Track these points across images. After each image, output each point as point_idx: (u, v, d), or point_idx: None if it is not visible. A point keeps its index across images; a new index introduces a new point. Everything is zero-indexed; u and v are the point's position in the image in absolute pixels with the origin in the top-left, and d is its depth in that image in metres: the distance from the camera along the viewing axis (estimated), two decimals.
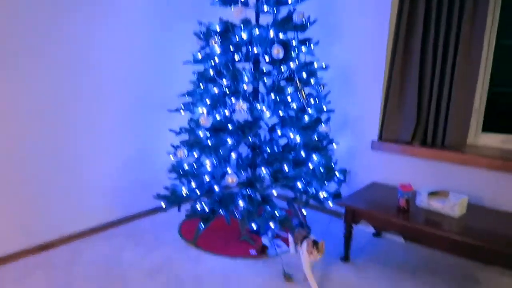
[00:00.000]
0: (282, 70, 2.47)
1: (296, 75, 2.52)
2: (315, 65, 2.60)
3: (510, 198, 2.37)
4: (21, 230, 2.39)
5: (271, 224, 2.42)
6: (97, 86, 2.60)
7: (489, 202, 2.45)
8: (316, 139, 2.62)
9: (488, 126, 2.64)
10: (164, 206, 2.64)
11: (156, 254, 2.50)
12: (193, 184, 2.57)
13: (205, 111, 2.50)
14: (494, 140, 2.63)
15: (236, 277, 2.27)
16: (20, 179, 2.34)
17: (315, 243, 2.04)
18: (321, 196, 2.63)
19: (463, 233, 2.03)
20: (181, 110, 2.65)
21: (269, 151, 2.58)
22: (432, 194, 2.36)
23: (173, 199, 2.63)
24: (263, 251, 2.50)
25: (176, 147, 2.66)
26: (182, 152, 2.59)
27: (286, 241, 2.64)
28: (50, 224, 2.52)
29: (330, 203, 2.66)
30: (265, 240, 2.54)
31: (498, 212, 2.33)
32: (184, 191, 2.59)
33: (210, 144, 2.53)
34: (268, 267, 2.37)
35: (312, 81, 2.60)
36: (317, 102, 2.63)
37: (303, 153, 2.58)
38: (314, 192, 2.58)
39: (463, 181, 2.53)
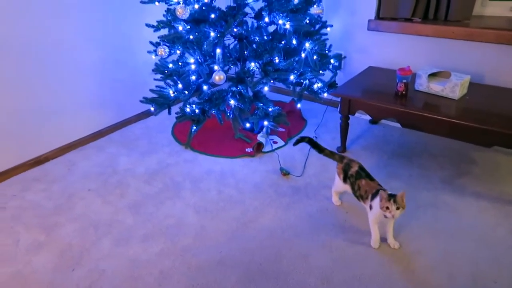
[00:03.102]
0: None
1: None
2: None
3: None
4: (13, 147, 2.32)
5: (265, 122, 2.35)
6: None
7: (491, 80, 2.33)
8: (308, 23, 2.37)
9: None
10: (153, 109, 2.53)
11: (151, 159, 2.48)
12: (180, 85, 2.42)
13: None
14: (502, 9, 2.39)
15: (233, 175, 2.28)
16: (11, 98, 2.21)
17: (391, 196, 1.60)
18: (315, 87, 2.50)
19: (461, 116, 1.95)
20: (155, 1, 2.33)
21: (257, 39, 2.35)
22: (433, 75, 2.22)
23: (161, 101, 2.50)
24: (259, 148, 2.48)
25: (155, 45, 2.43)
26: (163, 50, 2.37)
27: (282, 136, 2.60)
28: (42, 138, 2.44)
29: (325, 94, 2.54)
30: (260, 137, 2.49)
31: (500, 89, 2.23)
32: (171, 92, 2.45)
33: (192, 39, 2.30)
34: (265, 164, 2.38)
35: None
36: None
37: (294, 41, 2.36)
38: (308, 83, 2.44)
39: (466, 59, 2.37)
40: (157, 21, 2.37)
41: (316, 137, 2.61)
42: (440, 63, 2.46)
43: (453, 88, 2.10)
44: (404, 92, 2.18)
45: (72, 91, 2.53)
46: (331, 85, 2.56)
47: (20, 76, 2.24)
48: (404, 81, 2.16)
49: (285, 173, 2.24)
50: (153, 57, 2.42)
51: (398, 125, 2.22)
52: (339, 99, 2.33)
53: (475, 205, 1.96)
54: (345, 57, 2.82)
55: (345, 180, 1.85)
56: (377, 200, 1.66)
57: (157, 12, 2.38)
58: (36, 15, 2.22)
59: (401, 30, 2.51)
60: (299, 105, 2.61)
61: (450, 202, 1.99)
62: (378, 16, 2.62)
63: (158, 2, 2.27)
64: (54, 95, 2.44)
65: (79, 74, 2.55)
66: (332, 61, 2.54)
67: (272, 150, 2.49)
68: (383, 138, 2.60)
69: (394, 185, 2.12)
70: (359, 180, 1.78)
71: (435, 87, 2.17)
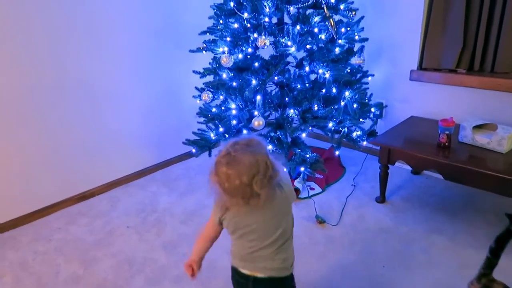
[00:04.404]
0: None
1: (323, 1, 2.25)
2: None
3: None
4: (62, 181, 2.47)
5: (302, 168, 2.35)
6: (111, 30, 2.48)
7: None
8: (349, 72, 2.41)
9: None
10: (194, 151, 2.62)
11: (189, 199, 2.54)
12: (221, 129, 2.50)
13: (226, 49, 2.34)
14: None
15: None
16: (58, 136, 2.39)
17: None
18: (354, 135, 2.48)
19: (510, 171, 1.86)
20: (203, 50, 2.48)
21: (299, 87, 2.41)
22: (478, 127, 2.15)
23: (203, 144, 2.59)
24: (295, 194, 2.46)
25: (200, 90, 2.55)
26: (207, 95, 2.49)
27: (319, 182, 2.58)
28: (88, 175, 2.59)
29: (364, 142, 2.52)
30: (297, 183, 2.48)
31: None
32: (213, 135, 2.54)
33: (234, 85, 2.40)
34: (300, 210, 2.35)
35: (342, 6, 2.31)
36: (348, 30, 2.37)
37: (334, 89, 2.40)
38: (347, 131, 2.43)
39: None
40: (203, 68, 2.52)
41: (354, 185, 2.57)
42: (485, 115, 2.37)
43: (500, 141, 2.01)
44: (446, 144, 2.11)
45: (120, 130, 2.69)
46: (370, 134, 2.54)
47: (73, 114, 2.42)
48: (447, 132, 2.10)
49: (320, 221, 2.20)
50: (198, 101, 2.55)
51: (441, 177, 2.13)
52: (379, 148, 2.30)
53: None
54: (386, 106, 2.81)
55: None
56: None
57: (204, 60, 2.53)
58: (95, 57, 2.43)
59: (445, 81, 2.48)
60: (337, 152, 2.60)
61: (499, 263, 1.84)
62: (420, 67, 2.62)
63: (205, 51, 2.42)
64: (104, 134, 2.60)
65: (129, 115, 2.71)
66: (372, 109, 2.53)
67: (309, 197, 2.47)
68: (426, 189, 2.50)
69: (437, 241, 2.01)
70: None
71: (481, 139, 2.09)
